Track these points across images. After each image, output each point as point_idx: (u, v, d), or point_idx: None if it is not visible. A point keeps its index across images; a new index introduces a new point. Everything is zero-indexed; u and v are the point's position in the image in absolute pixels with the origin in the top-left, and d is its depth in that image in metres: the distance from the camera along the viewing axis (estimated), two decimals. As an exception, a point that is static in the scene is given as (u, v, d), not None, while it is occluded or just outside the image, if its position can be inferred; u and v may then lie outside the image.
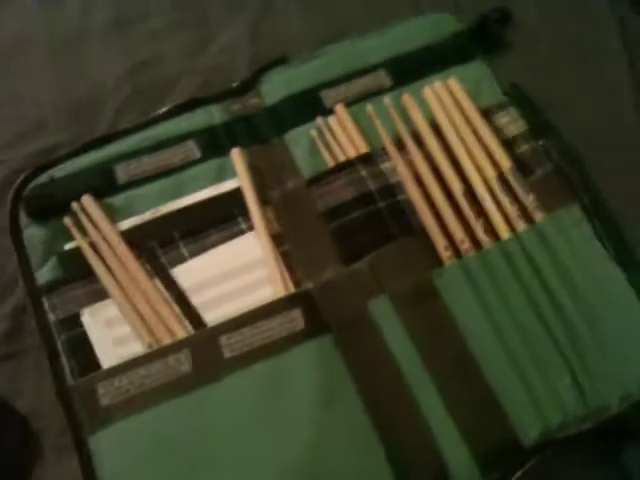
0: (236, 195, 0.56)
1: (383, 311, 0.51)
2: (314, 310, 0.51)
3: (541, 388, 0.48)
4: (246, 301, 0.52)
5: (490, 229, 0.53)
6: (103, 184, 0.56)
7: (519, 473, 0.47)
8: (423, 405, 0.49)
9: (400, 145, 0.56)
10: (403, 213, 0.54)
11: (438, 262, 0.52)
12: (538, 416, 0.48)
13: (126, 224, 0.55)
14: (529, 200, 0.53)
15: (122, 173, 0.57)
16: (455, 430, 0.48)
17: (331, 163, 0.57)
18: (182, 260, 0.54)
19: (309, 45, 0.63)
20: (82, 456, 0.48)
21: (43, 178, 0.57)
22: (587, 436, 0.48)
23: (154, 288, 0.53)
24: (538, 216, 0.53)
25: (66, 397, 0.50)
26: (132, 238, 0.54)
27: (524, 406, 0.48)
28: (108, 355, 0.51)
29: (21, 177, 0.57)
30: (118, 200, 0.56)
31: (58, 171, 0.57)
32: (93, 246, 0.54)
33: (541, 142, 0.56)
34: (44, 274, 0.54)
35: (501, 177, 0.54)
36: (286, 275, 0.53)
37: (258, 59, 0.63)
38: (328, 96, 0.59)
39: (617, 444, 0.49)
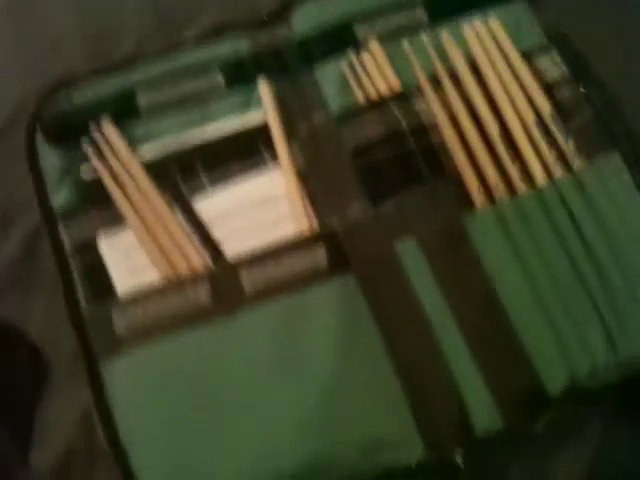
0: (262, 128, 0.54)
1: (410, 253, 0.49)
2: (338, 249, 0.50)
3: (570, 337, 0.47)
4: (268, 237, 0.50)
5: (526, 174, 0.51)
6: (124, 110, 0.54)
7: (542, 421, 0.46)
8: (447, 349, 0.47)
9: (436, 84, 0.54)
10: (435, 154, 0.52)
11: (469, 206, 0.50)
12: (565, 365, 0.47)
13: (146, 152, 0.53)
14: (568, 146, 0.51)
15: (144, 100, 0.54)
16: (479, 376, 0.47)
17: (362, 100, 0.54)
18: (203, 191, 0.52)
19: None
20: (94, 383, 0.47)
21: (62, 101, 0.54)
22: (614, 389, 0.47)
23: (174, 218, 0.51)
24: (576, 163, 0.51)
25: (80, 323, 0.48)
26: (152, 166, 0.52)
27: (551, 354, 0.47)
28: (124, 283, 0.50)
29: (39, 98, 0.55)
30: (139, 127, 0.54)
31: (77, 95, 0.55)
32: (111, 172, 0.52)
33: (582, 87, 0.53)
34: (60, 198, 0.52)
35: (540, 121, 0.52)
36: (310, 212, 0.52)
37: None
38: (362, 30, 0.56)
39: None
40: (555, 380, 0.46)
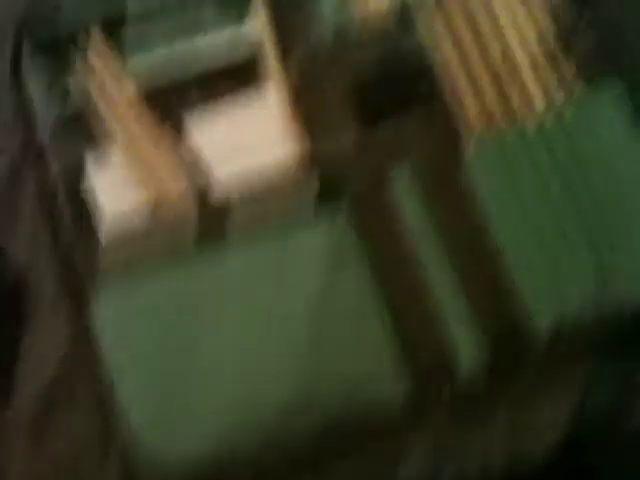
0: (255, 43, 0.52)
1: (403, 180, 0.48)
2: (329, 173, 0.49)
3: (563, 271, 0.47)
4: (258, 158, 0.49)
5: (526, 98, 0.49)
6: (113, 15, 0.52)
7: (528, 360, 0.46)
8: (435, 282, 0.47)
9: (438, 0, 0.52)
10: (435, 76, 0.50)
11: (467, 130, 0.49)
12: (556, 301, 0.46)
13: (136, 61, 0.51)
14: (570, 71, 0.50)
15: (134, 4, 0.52)
16: (466, 309, 0.46)
17: (360, 16, 0.52)
18: (194, 108, 0.50)
19: None
20: (79, 316, 0.47)
21: (49, 4, 0.52)
22: (603, 333, 0.47)
23: (163, 137, 0.50)
24: (577, 87, 0.50)
25: (65, 253, 0.48)
26: (141, 78, 0.51)
27: (542, 289, 0.47)
28: (112, 205, 0.48)
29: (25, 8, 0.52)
30: (128, 33, 0.52)
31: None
32: (100, 85, 0.50)
33: (586, 11, 0.52)
34: (46, 113, 0.50)
35: (543, 43, 0.50)
36: (302, 134, 0.50)
37: None
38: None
39: (633, 343, 0.48)
40: (544, 318, 0.46)
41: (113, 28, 0.51)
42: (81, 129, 0.50)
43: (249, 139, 0.50)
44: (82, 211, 0.49)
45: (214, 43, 0.52)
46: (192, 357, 0.46)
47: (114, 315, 0.47)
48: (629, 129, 0.49)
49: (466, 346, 0.46)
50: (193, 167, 0.50)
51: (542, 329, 0.46)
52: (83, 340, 0.46)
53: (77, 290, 0.47)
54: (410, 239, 0.48)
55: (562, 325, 0.46)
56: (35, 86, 0.51)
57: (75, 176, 0.49)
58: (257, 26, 0.52)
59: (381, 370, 0.46)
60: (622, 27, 0.52)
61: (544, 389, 0.47)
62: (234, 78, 0.51)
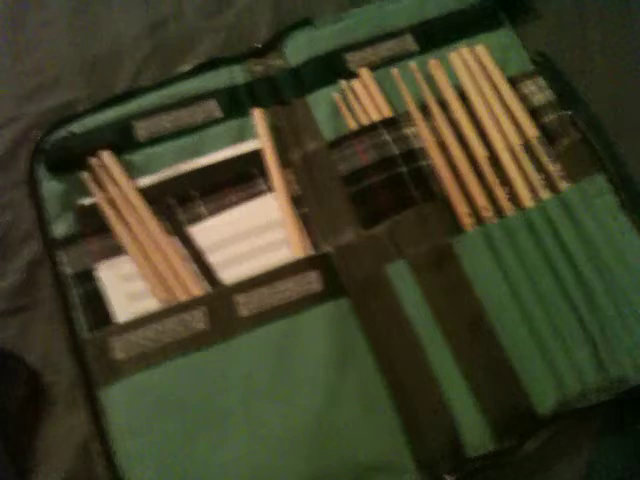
0: (256, 155, 0.55)
1: (401, 275, 0.50)
2: (332, 272, 0.51)
3: (559, 357, 0.48)
4: (263, 262, 0.52)
5: (513, 197, 0.52)
6: (122, 140, 0.55)
7: (534, 443, 0.46)
8: (437, 369, 0.48)
9: (425, 110, 0.55)
10: (425, 179, 0.53)
11: (458, 229, 0.52)
12: (555, 385, 0.47)
13: (144, 181, 0.55)
14: (554, 169, 0.52)
15: (142, 130, 0.56)
16: (469, 395, 0.47)
17: (353, 126, 0.56)
18: (200, 218, 0.54)
19: (331, 9, 0.62)
20: (92, 410, 0.48)
21: (62, 132, 0.56)
22: (604, 405, 0.47)
23: (171, 245, 0.52)
24: (563, 185, 0.52)
25: (79, 350, 0.49)
26: (150, 195, 0.54)
27: (541, 374, 0.48)
28: (123, 310, 0.51)
29: (41, 130, 0.56)
30: (137, 157, 0.55)
31: (78, 126, 0.56)
32: (111, 201, 0.53)
33: (568, 111, 0.55)
34: (60, 228, 0.53)
35: (527, 145, 0.53)
36: (304, 237, 0.53)
37: (280, 20, 0.63)
38: (352, 59, 0.58)
39: (634, 413, 0.48)
40: (544, 400, 0.47)
41: (123, 150, 0.55)
42: (93, 238, 0.53)
43: (254, 243, 0.53)
44: (94, 308, 0.51)
45: (218, 158, 0.55)
46: (202, 440, 0.47)
47: (125, 405, 0.48)
48: (614, 222, 0.51)
49: (470, 429, 0.47)
50: (201, 271, 0.52)
51: (543, 412, 0.47)
52: (96, 431, 0.47)
53: (90, 384, 0.48)
54: (411, 328, 0.49)
55: (563, 408, 0.47)
56: (50, 200, 0.54)
57: (87, 278, 0.52)
58: (257, 139, 0.56)
59: (389, 457, 0.47)
60: (603, 124, 0.55)
61: (549, 463, 0.48)
62: (238, 187, 0.54)
